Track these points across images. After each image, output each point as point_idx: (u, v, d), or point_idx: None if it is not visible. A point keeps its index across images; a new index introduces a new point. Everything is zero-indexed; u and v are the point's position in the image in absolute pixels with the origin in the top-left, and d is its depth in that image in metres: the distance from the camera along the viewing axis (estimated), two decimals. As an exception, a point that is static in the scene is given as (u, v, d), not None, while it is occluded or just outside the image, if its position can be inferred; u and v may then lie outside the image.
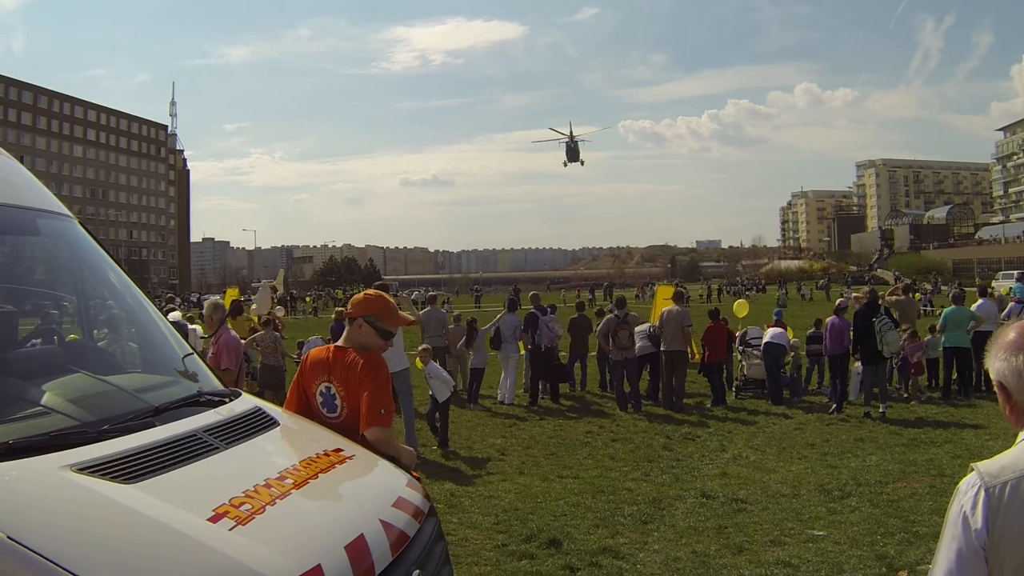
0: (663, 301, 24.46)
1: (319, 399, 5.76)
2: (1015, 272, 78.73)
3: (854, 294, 21.69)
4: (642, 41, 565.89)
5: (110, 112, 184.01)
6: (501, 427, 17.74)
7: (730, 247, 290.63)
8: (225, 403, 4.86)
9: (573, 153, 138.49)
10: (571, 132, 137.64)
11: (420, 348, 16.71)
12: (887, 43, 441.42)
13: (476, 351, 21.37)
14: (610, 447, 15.55)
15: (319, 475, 4.35)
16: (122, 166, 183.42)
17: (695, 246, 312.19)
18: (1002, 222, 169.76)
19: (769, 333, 20.96)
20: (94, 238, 5.45)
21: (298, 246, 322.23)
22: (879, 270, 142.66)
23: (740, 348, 22.31)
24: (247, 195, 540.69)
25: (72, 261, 5.49)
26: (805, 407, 19.54)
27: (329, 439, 5.12)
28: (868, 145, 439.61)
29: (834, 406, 18.77)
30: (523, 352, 22.02)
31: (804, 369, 22.15)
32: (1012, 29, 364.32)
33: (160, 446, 3.85)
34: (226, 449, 4.17)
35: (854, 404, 19.23)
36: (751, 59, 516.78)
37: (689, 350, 21.00)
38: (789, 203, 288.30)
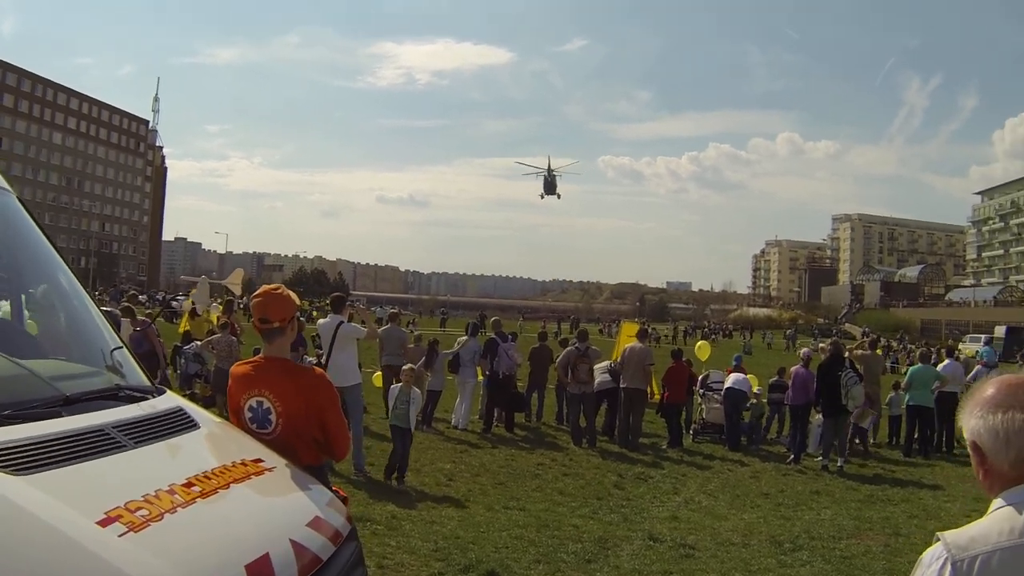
0: (627, 338, 24.18)
1: (248, 415, 5.33)
2: (982, 336, 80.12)
3: (820, 345, 21.44)
4: (628, 77, 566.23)
5: (92, 102, 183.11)
6: (452, 452, 17.30)
7: (700, 290, 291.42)
8: (146, 399, 4.52)
9: (550, 186, 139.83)
10: (549, 166, 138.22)
11: (406, 367, 15.29)
12: (873, 98, 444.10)
13: (435, 373, 20.94)
14: (560, 481, 15.16)
15: (231, 485, 3.99)
16: (100, 157, 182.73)
17: (665, 286, 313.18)
18: (973, 285, 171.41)
19: (732, 378, 20.75)
20: (32, 216, 5.04)
21: (270, 253, 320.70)
22: (847, 324, 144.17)
23: (701, 391, 21.97)
24: (223, 198, 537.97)
25: (6, 237, 5.02)
26: (762, 455, 19.31)
27: (251, 448, 4.76)
28: (845, 198, 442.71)
29: (792, 456, 18.53)
30: (481, 378, 21.60)
31: (765, 418, 21.88)
32: (997, 93, 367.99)
33: (62, 438, 3.52)
34: (134, 448, 3.83)
35: (812, 456, 19.01)
36: (735, 104, 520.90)
37: (649, 389, 20.63)
38: (763, 251, 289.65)
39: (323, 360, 15.09)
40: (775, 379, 21.91)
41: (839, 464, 17.82)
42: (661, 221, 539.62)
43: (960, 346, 70.48)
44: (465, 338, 21.59)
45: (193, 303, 25.14)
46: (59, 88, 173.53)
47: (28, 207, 5.00)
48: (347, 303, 16.32)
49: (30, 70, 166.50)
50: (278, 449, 4.99)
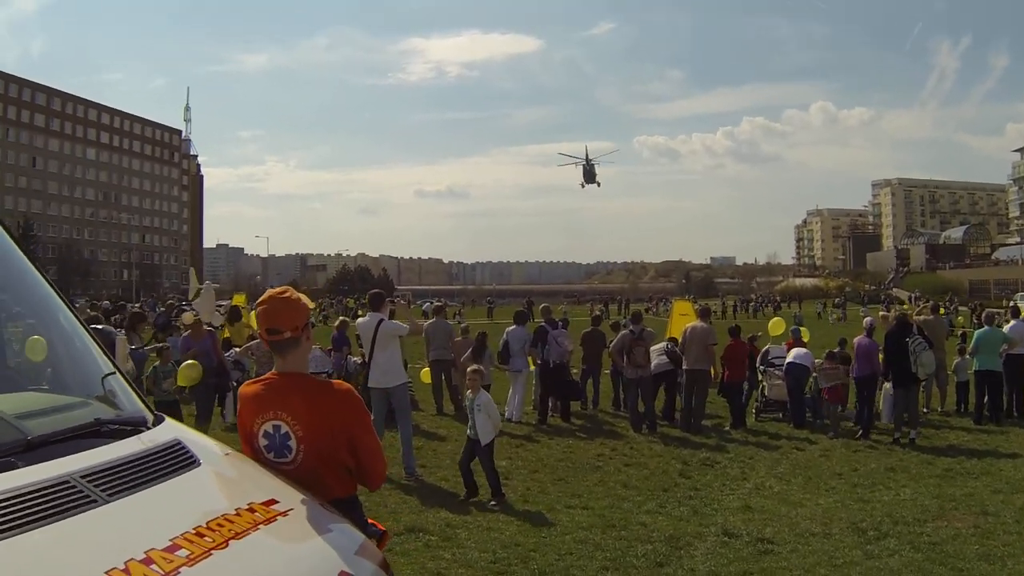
0: (680, 317, 23.53)
1: (263, 442, 4.53)
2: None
3: (880, 313, 20.57)
4: (658, 57, 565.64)
5: (124, 115, 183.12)
6: (506, 448, 16.44)
7: (744, 264, 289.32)
8: (136, 434, 3.73)
9: (590, 175, 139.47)
10: (587, 155, 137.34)
11: (470, 369, 13.69)
12: (903, 63, 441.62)
13: (484, 365, 20.26)
14: (623, 472, 14.47)
15: (230, 543, 3.16)
16: (135, 170, 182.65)
17: (709, 262, 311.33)
18: (1019, 243, 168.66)
19: (793, 353, 19.89)
20: (12, 237, 4.31)
21: (312, 254, 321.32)
22: (895, 289, 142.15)
23: (761, 368, 21.09)
24: (262, 202, 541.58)
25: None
26: (829, 431, 18.48)
27: (265, 486, 3.95)
28: (882, 164, 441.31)
29: (861, 431, 17.74)
30: (532, 368, 20.91)
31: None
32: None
33: (10, 498, 2.77)
34: (106, 503, 3.03)
35: (880, 430, 18.26)
36: (767, 77, 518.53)
37: (712, 370, 19.90)
38: (804, 221, 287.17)
39: (366, 360, 14.53)
40: (837, 350, 21.04)
41: (911, 436, 17.06)
42: (700, 198, 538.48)
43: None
44: (513, 327, 20.82)
45: (196, 313, 24.32)
46: (89, 104, 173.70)
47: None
48: (387, 300, 15.64)
49: (60, 88, 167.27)
50: (302, 481, 4.26)
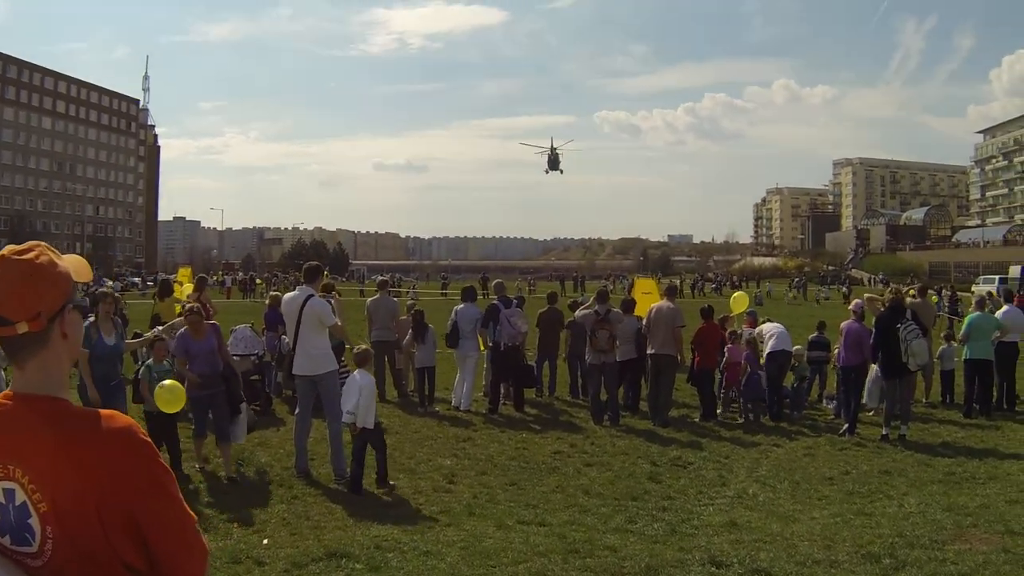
0: (642, 295, 21.70)
1: None
2: (996, 277, 77.81)
3: (866, 295, 18.87)
4: (622, 31, 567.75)
5: (80, 84, 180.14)
6: (453, 442, 14.85)
7: (702, 242, 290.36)
8: None
9: (554, 163, 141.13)
10: (552, 145, 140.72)
11: (357, 349, 12.93)
12: (868, 42, 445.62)
13: (424, 347, 18.60)
14: (584, 475, 12.69)
15: None
16: (91, 140, 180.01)
17: (667, 240, 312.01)
18: (979, 225, 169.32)
19: (775, 337, 18.12)
20: None
21: (269, 228, 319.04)
22: (854, 270, 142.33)
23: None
24: (220, 174, 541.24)
25: None
26: (810, 425, 16.99)
27: None
28: (845, 143, 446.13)
29: (846, 426, 16.04)
30: (484, 350, 19.05)
31: (806, 380, 19.28)
32: (993, 32, 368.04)
33: None
34: None
35: (864, 421, 16.72)
36: (730, 53, 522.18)
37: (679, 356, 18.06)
38: (764, 199, 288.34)
39: (290, 343, 12.68)
40: (815, 335, 19.33)
41: (901, 432, 15.45)
42: (660, 174, 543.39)
43: (973, 288, 68.44)
44: (462, 306, 18.91)
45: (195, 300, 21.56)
46: (45, 72, 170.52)
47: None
48: (324, 275, 13.77)
49: (17, 56, 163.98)
50: None
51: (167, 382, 11.35)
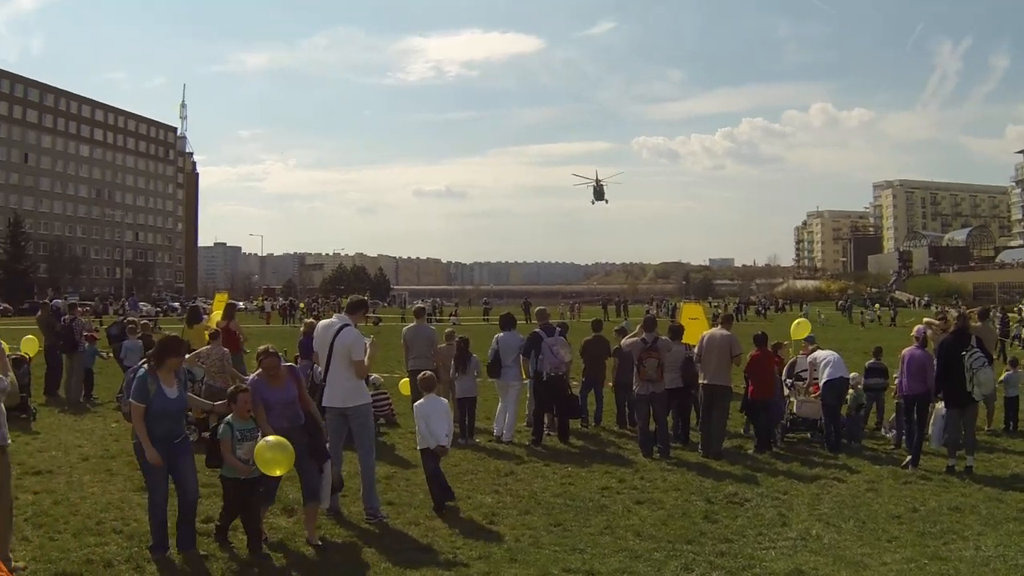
0: (689, 322, 20.84)
1: None
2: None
3: (925, 319, 18.04)
4: (659, 57, 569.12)
5: (118, 112, 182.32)
6: (494, 477, 14.14)
7: (744, 266, 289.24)
8: None
9: (599, 193, 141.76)
10: (597, 178, 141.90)
11: (422, 375, 12.73)
12: (904, 64, 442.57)
13: (466, 376, 17.85)
14: (634, 514, 11.87)
15: None
16: (129, 167, 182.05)
17: (708, 263, 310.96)
18: (1022, 246, 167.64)
19: (830, 365, 17.22)
20: None
21: (310, 253, 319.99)
22: (898, 292, 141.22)
23: (788, 382, 18.45)
24: (261, 201, 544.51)
25: None
26: (870, 457, 16.03)
27: None
28: (883, 166, 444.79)
29: (909, 458, 15.13)
30: (526, 379, 18.26)
31: (863, 408, 18.36)
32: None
33: None
34: None
35: (926, 452, 15.81)
36: (766, 77, 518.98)
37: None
38: (804, 222, 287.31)
39: (322, 372, 12.00)
40: (872, 361, 18.49)
41: (968, 463, 14.58)
42: (699, 199, 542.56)
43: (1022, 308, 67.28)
44: (503, 334, 18.15)
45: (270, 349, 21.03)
46: (83, 100, 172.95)
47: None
48: (368, 311, 13.10)
49: (56, 85, 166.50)
50: None
51: (271, 438, 9.71)
